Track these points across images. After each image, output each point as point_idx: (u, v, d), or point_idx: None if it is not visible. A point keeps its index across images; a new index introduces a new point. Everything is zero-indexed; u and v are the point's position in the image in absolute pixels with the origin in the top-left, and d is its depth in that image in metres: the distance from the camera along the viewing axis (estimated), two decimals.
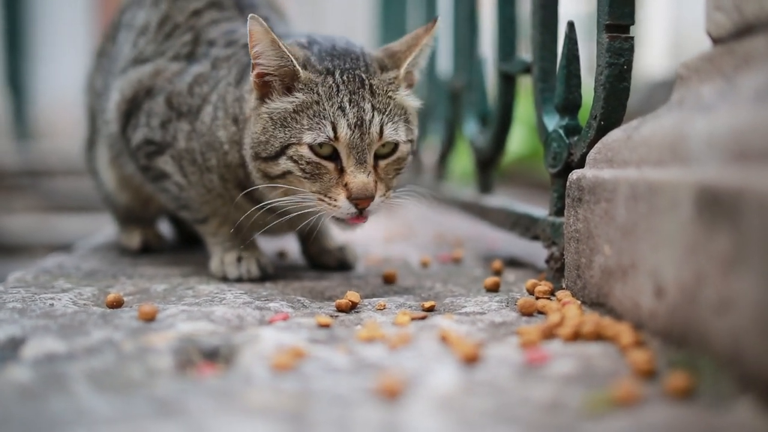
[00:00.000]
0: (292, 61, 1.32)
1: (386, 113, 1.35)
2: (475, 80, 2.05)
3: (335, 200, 1.32)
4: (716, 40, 1.10)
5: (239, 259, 1.56)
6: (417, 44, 1.42)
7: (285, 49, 1.31)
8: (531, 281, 1.41)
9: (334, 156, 1.32)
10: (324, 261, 1.74)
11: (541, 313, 1.24)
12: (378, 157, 1.36)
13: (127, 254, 1.91)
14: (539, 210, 1.60)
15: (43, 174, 5.91)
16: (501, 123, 1.86)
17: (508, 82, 1.81)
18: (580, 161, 1.38)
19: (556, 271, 1.43)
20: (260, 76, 1.34)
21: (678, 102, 1.15)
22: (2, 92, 7.01)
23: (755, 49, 0.99)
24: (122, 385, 0.88)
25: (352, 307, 1.29)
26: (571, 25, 1.44)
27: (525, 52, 1.80)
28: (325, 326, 1.15)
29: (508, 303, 1.32)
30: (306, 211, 1.35)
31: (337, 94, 1.32)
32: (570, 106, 1.45)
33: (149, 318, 1.16)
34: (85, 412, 0.80)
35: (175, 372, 0.94)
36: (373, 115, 1.33)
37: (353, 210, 1.32)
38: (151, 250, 1.93)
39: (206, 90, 1.52)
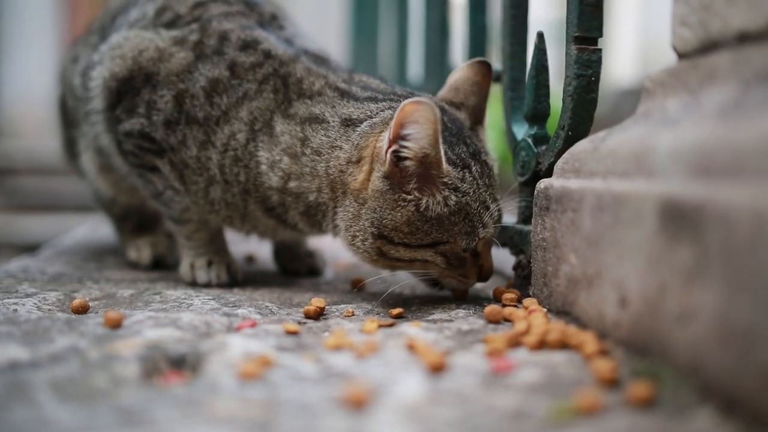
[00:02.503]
0: (441, 154, 1.27)
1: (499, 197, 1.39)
2: None
3: (467, 278, 1.37)
4: (681, 55, 1.12)
5: (209, 264, 1.55)
6: (487, 92, 1.46)
7: (441, 142, 1.26)
8: (498, 288, 1.42)
9: None
10: (294, 267, 1.74)
11: (507, 320, 1.25)
12: None
13: (93, 258, 1.89)
14: (508, 217, 1.61)
15: (7, 173, 5.82)
16: None
17: None
18: (548, 170, 1.40)
19: (524, 278, 1.44)
20: (399, 158, 1.27)
21: (644, 114, 1.17)
22: None
23: (719, 65, 1.01)
24: (86, 394, 0.87)
25: (319, 314, 1.29)
26: (540, 36, 1.45)
27: (495, 60, 1.82)
28: (293, 333, 1.15)
29: (475, 310, 1.33)
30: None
31: (479, 192, 1.32)
32: (538, 115, 1.47)
33: (115, 324, 1.15)
34: (48, 422, 0.79)
35: (141, 380, 0.93)
36: (500, 206, 1.37)
37: (476, 283, 1.40)
38: (164, 265, 1.77)
39: (227, 102, 1.43)
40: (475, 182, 1.32)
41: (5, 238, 4.88)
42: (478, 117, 1.45)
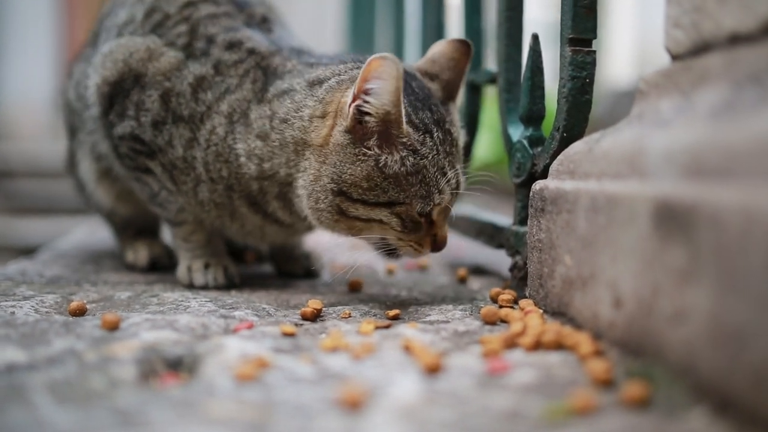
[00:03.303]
0: (401, 114, 1.28)
1: (462, 167, 1.40)
2: None
3: (422, 246, 1.38)
4: (675, 57, 1.13)
5: (207, 266, 1.56)
6: (463, 70, 1.46)
7: (402, 101, 1.27)
8: (495, 289, 1.43)
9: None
10: (290, 268, 1.74)
11: (504, 321, 1.26)
12: None
13: (92, 259, 1.89)
14: (504, 219, 1.62)
15: (5, 175, 5.82)
16: (467, 132, 1.87)
17: (474, 92, 1.83)
18: (544, 172, 1.40)
19: (520, 279, 1.45)
20: (361, 113, 1.29)
21: (637, 116, 1.17)
22: None
23: (711, 67, 1.02)
24: (84, 396, 0.88)
25: (316, 315, 1.30)
26: (535, 38, 1.46)
27: (491, 62, 1.83)
28: (290, 335, 1.16)
29: (471, 312, 1.34)
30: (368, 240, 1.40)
31: (439, 158, 1.33)
32: (534, 117, 1.47)
33: (112, 327, 1.15)
34: (45, 424, 0.79)
35: (138, 382, 0.94)
36: (461, 176, 1.38)
37: (430, 252, 1.40)
38: (160, 267, 1.77)
39: (210, 97, 1.46)
40: (435, 147, 1.33)
41: (3, 241, 4.89)
42: (450, 92, 1.46)
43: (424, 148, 1.32)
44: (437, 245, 1.39)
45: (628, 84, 4.10)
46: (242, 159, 1.43)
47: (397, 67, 1.24)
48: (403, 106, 1.28)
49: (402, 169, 1.30)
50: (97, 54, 1.60)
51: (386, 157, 1.30)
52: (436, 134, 1.34)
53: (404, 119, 1.29)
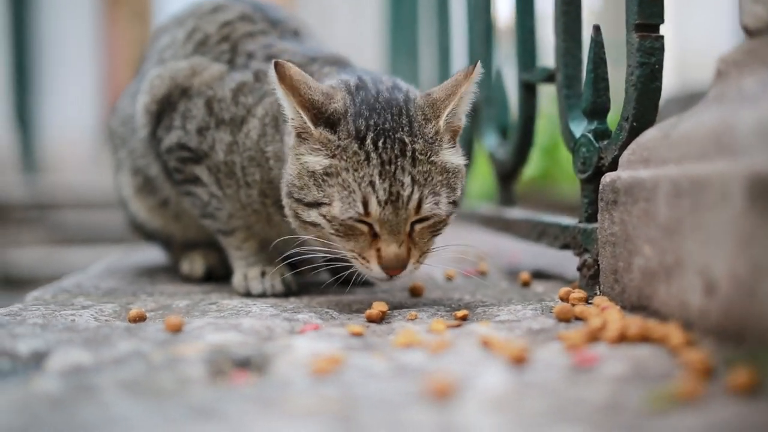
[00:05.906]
0: (303, 118, 1.26)
1: (427, 184, 1.25)
2: (495, 94, 2.02)
3: (368, 262, 1.27)
4: (754, 33, 1.08)
5: (263, 274, 1.53)
6: (456, 92, 1.29)
7: (296, 106, 1.26)
8: (564, 289, 1.37)
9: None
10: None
11: (578, 319, 1.20)
12: (414, 221, 1.27)
13: (146, 273, 1.87)
14: (567, 218, 1.57)
15: (50, 207, 5.91)
16: (523, 133, 1.83)
17: (529, 92, 1.79)
18: (612, 165, 1.35)
19: (590, 278, 1.39)
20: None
21: (716, 97, 1.12)
22: (10, 126, 7.04)
23: None
24: (154, 392, 0.84)
25: (382, 318, 1.26)
26: (597, 29, 1.41)
27: (546, 60, 1.78)
28: (358, 335, 1.12)
29: (542, 311, 1.28)
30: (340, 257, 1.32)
31: (368, 165, 1.23)
32: (598, 109, 1.42)
33: (176, 329, 1.12)
34: (119, 419, 0.76)
35: (207, 381, 0.90)
36: (412, 189, 1.23)
37: (384, 276, 1.27)
38: (215, 278, 1.74)
39: (251, 101, 1.48)
40: (364, 155, 1.24)
41: (49, 271, 4.93)
42: (435, 110, 1.31)
43: (345, 154, 1.24)
44: (382, 261, 1.25)
45: (673, 91, 4.01)
46: (271, 162, 1.45)
47: (284, 67, 1.25)
48: (304, 113, 1.26)
49: (319, 168, 1.25)
50: (144, 80, 1.63)
51: (308, 158, 1.27)
52: (372, 143, 1.24)
53: (311, 124, 1.26)
